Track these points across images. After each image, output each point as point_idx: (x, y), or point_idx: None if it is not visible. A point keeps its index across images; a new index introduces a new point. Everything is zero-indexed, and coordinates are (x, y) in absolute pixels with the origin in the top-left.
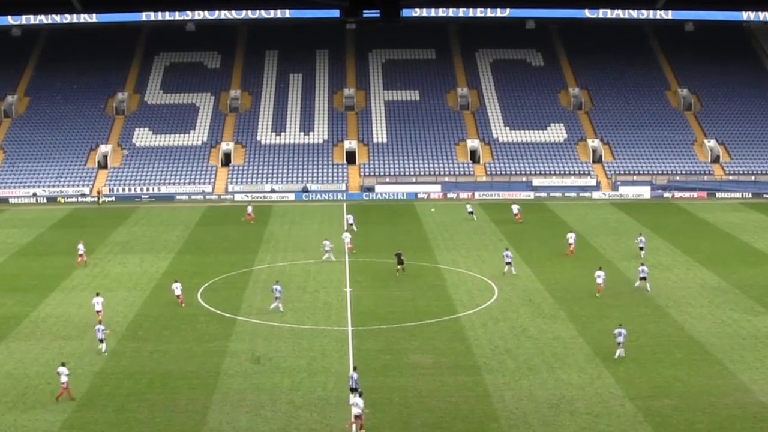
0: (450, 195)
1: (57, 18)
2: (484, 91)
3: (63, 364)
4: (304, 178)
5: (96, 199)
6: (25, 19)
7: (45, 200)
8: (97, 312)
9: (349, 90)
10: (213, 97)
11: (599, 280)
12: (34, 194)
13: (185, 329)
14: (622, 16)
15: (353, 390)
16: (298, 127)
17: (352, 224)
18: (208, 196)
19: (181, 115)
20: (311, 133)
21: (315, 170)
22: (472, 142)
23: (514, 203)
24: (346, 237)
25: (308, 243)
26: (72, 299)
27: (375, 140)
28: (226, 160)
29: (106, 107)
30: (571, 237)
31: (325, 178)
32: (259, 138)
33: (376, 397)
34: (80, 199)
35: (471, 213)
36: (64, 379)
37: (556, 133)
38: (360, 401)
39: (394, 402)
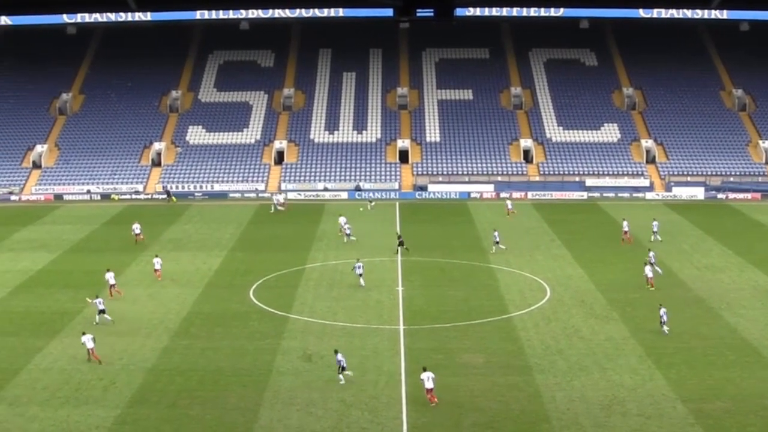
0: (503, 195)
1: (112, 16)
2: (538, 90)
3: (84, 333)
4: (357, 177)
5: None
6: (80, 18)
7: (99, 197)
8: (111, 286)
9: (402, 89)
10: (266, 95)
11: (650, 274)
12: (88, 191)
13: (237, 327)
14: (676, 15)
15: (343, 369)
16: (351, 125)
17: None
18: (261, 194)
19: (235, 113)
20: (364, 132)
21: (368, 169)
22: (526, 142)
23: (508, 200)
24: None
25: (360, 242)
26: (125, 296)
27: (428, 139)
28: (279, 158)
29: (160, 105)
30: (625, 224)
31: (377, 177)
32: (312, 136)
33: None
34: (134, 197)
35: (371, 203)
36: (90, 345)
37: (610, 133)
38: (432, 374)
39: (445, 401)
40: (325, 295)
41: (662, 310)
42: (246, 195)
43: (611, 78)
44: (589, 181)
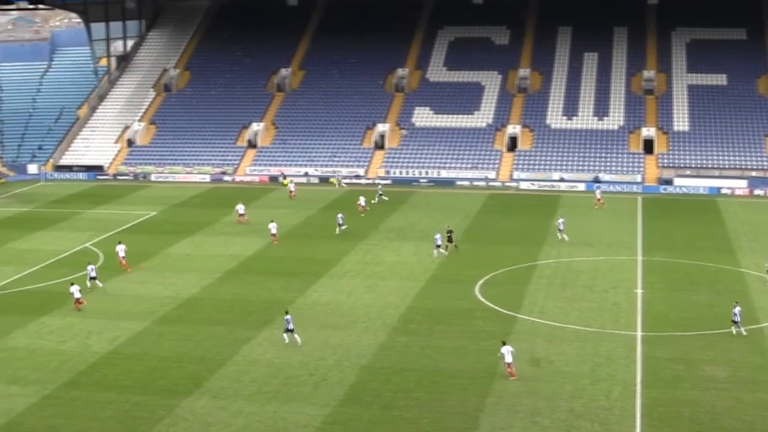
0: (757, 192)
1: None
2: None
3: (72, 284)
4: (596, 168)
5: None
6: None
7: (317, 180)
8: (122, 258)
9: (648, 72)
10: (500, 75)
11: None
12: (306, 173)
13: (460, 325)
14: None
15: (289, 330)
16: (592, 111)
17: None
18: (491, 183)
19: (465, 94)
20: (605, 118)
21: (608, 159)
22: None
23: (598, 190)
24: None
25: (597, 238)
26: (341, 287)
27: (675, 128)
28: (512, 144)
29: (385, 84)
30: None
31: (618, 168)
32: (548, 122)
33: (665, 410)
34: (354, 181)
35: (380, 195)
36: (77, 295)
37: None
38: (511, 348)
39: (683, 417)
40: (557, 294)
41: (736, 309)
42: (475, 183)
43: None
44: None
